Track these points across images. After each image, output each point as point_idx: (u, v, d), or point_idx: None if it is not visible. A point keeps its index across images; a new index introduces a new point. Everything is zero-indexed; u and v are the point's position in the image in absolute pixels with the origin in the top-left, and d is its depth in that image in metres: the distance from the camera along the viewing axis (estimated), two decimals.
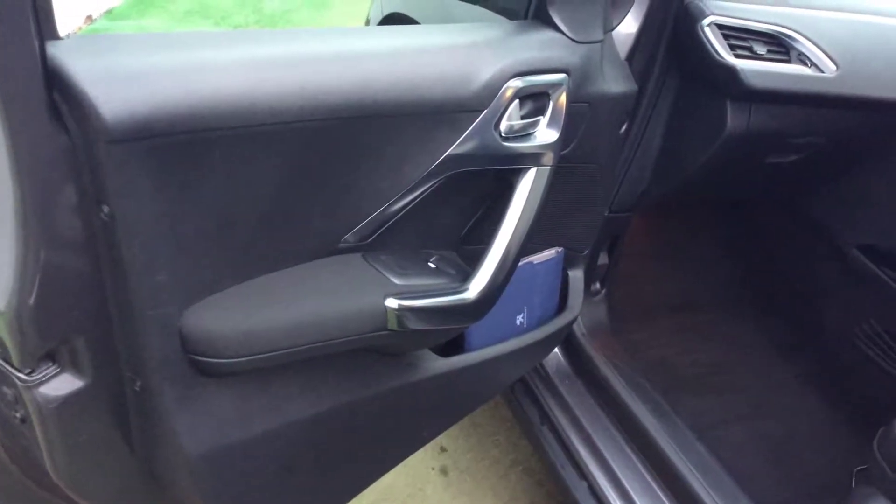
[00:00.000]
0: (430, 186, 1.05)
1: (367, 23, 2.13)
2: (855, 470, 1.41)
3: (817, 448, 1.70)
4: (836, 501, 1.30)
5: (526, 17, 1.20)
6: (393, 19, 1.88)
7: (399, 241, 1.10)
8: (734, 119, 1.45)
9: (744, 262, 2.16)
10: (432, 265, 1.11)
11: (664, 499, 1.44)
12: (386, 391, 1.17)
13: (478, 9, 1.52)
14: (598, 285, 1.74)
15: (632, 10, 1.34)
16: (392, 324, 1.01)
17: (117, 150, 0.77)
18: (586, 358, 1.64)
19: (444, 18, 1.67)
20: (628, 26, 1.34)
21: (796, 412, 1.80)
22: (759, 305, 2.08)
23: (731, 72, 1.34)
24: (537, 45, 1.12)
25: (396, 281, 1.02)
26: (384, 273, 1.03)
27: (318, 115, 0.89)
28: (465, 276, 1.10)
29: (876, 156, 1.71)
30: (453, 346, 1.27)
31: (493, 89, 1.03)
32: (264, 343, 0.94)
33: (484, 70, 1.03)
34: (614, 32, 1.32)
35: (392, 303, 1.00)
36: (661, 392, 1.61)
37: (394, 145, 0.99)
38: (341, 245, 1.04)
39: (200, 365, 0.93)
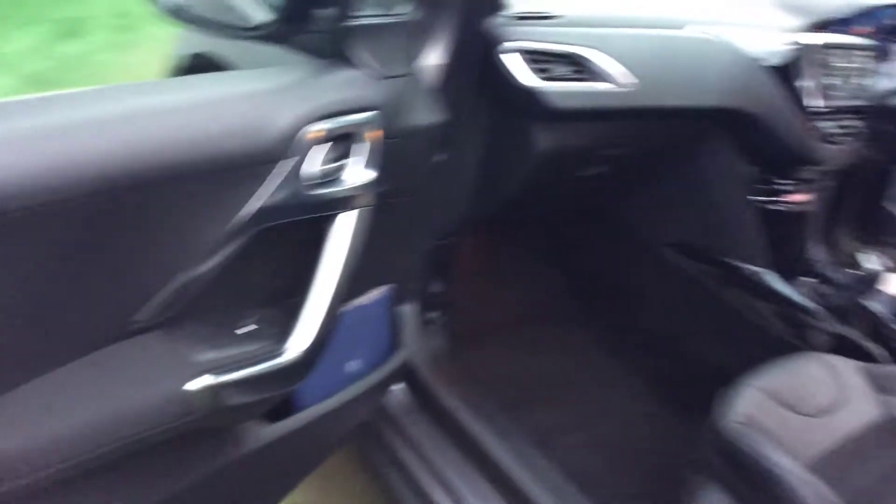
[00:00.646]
0: (237, 246, 0.97)
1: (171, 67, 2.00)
2: (686, 461, 1.46)
3: (656, 445, 1.76)
4: (676, 494, 1.35)
5: (330, 56, 1.15)
6: (198, 59, 1.77)
7: (208, 309, 1.01)
8: (543, 140, 1.48)
9: (573, 271, 2.22)
10: (246, 330, 1.02)
11: None
12: (211, 474, 1.06)
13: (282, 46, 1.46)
14: (434, 314, 1.72)
15: (439, 41, 1.33)
16: (201, 405, 0.91)
17: None
18: (429, 389, 1.61)
19: (249, 56, 1.60)
20: (437, 56, 1.32)
21: (634, 412, 1.86)
22: (592, 313, 2.14)
23: (535, 95, 1.37)
24: (340, 85, 1.07)
25: (202, 356, 0.93)
26: (187, 350, 0.93)
27: (81, 191, 0.78)
28: (285, 335, 1.03)
29: (678, 159, 1.81)
30: (283, 408, 1.19)
31: (292, 136, 0.97)
32: (44, 458, 0.82)
33: (281, 117, 0.96)
34: (424, 64, 1.30)
35: (198, 383, 0.91)
36: (506, 410, 1.62)
37: (185, 209, 0.90)
38: (134, 326, 0.93)
39: None
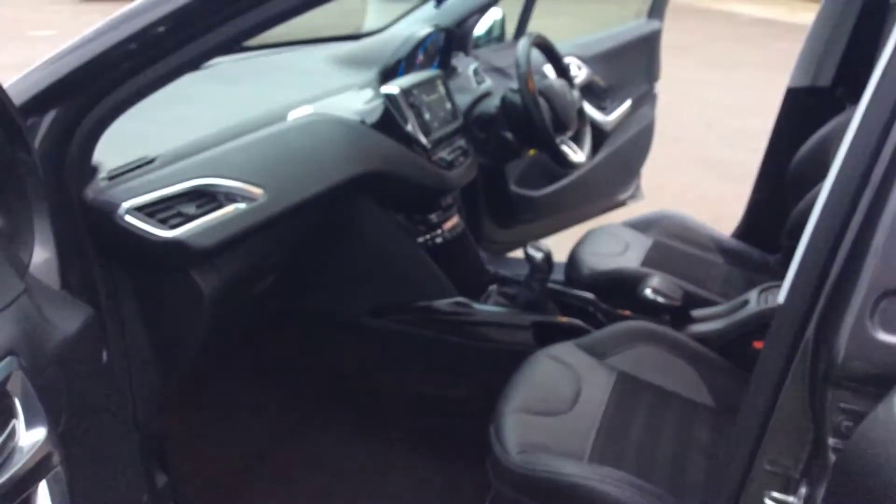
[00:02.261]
0: None
1: None
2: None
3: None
4: None
5: None
6: None
7: None
8: (206, 282, 1.38)
9: (301, 381, 2.11)
10: None
11: None
12: None
13: None
14: None
15: (40, 235, 1.11)
16: None
17: None
18: None
19: None
20: (46, 252, 1.12)
21: (424, 484, 1.83)
22: (340, 411, 2.05)
23: (177, 245, 1.25)
24: None
25: None
26: None
27: None
28: None
29: (339, 235, 1.82)
30: None
31: None
32: None
33: None
34: (36, 269, 1.09)
35: None
36: None
37: None
38: None
39: None
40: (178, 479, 1.51)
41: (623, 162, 2.84)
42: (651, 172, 3.09)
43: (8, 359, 0.85)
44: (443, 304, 1.88)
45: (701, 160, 4.65)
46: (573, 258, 2.04)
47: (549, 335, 1.80)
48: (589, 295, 1.95)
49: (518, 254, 2.44)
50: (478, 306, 1.91)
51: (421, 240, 1.94)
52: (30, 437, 0.84)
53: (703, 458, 1.34)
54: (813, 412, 0.88)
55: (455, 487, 1.77)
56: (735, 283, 1.95)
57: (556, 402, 1.42)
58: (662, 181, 4.09)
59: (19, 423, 0.84)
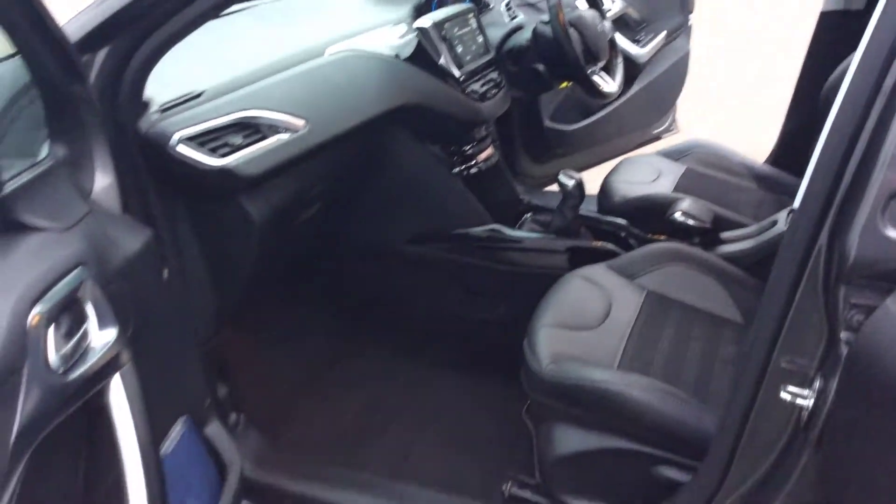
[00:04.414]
0: (15, 468, 0.82)
1: None
2: (525, 412, 1.54)
3: (493, 413, 1.84)
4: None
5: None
6: None
7: None
8: (255, 208, 1.47)
9: (345, 307, 2.20)
10: None
11: None
12: None
13: None
14: (234, 416, 1.61)
15: (100, 164, 1.20)
16: None
17: None
18: (268, 492, 1.53)
19: None
20: (106, 179, 1.21)
21: (460, 398, 1.92)
22: (381, 334, 2.14)
23: (227, 172, 1.33)
24: (29, 258, 0.93)
25: None
26: None
27: None
28: None
29: (378, 165, 1.88)
30: None
31: (22, 333, 0.83)
32: None
33: None
34: (98, 193, 1.18)
35: None
36: (351, 461, 1.66)
37: None
38: None
39: None
40: (237, 390, 1.63)
41: (658, 95, 2.84)
42: (686, 105, 3.07)
43: (79, 268, 0.95)
44: (479, 231, 1.95)
45: (737, 95, 4.58)
46: (605, 186, 2.08)
47: (582, 259, 1.86)
48: (621, 220, 2.00)
49: (553, 188, 2.49)
50: (512, 233, 1.97)
51: (456, 170, 1.99)
52: (101, 337, 0.95)
53: (729, 369, 1.39)
54: (826, 310, 0.93)
55: (493, 401, 1.86)
56: (766, 207, 1.97)
57: (586, 317, 1.48)
58: (700, 113, 4.05)
59: (91, 325, 0.94)
